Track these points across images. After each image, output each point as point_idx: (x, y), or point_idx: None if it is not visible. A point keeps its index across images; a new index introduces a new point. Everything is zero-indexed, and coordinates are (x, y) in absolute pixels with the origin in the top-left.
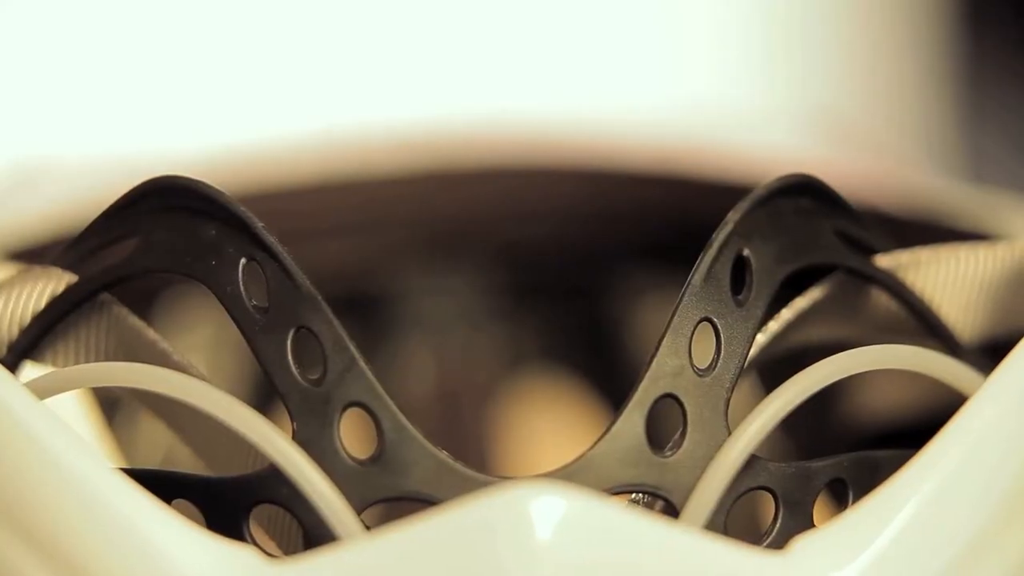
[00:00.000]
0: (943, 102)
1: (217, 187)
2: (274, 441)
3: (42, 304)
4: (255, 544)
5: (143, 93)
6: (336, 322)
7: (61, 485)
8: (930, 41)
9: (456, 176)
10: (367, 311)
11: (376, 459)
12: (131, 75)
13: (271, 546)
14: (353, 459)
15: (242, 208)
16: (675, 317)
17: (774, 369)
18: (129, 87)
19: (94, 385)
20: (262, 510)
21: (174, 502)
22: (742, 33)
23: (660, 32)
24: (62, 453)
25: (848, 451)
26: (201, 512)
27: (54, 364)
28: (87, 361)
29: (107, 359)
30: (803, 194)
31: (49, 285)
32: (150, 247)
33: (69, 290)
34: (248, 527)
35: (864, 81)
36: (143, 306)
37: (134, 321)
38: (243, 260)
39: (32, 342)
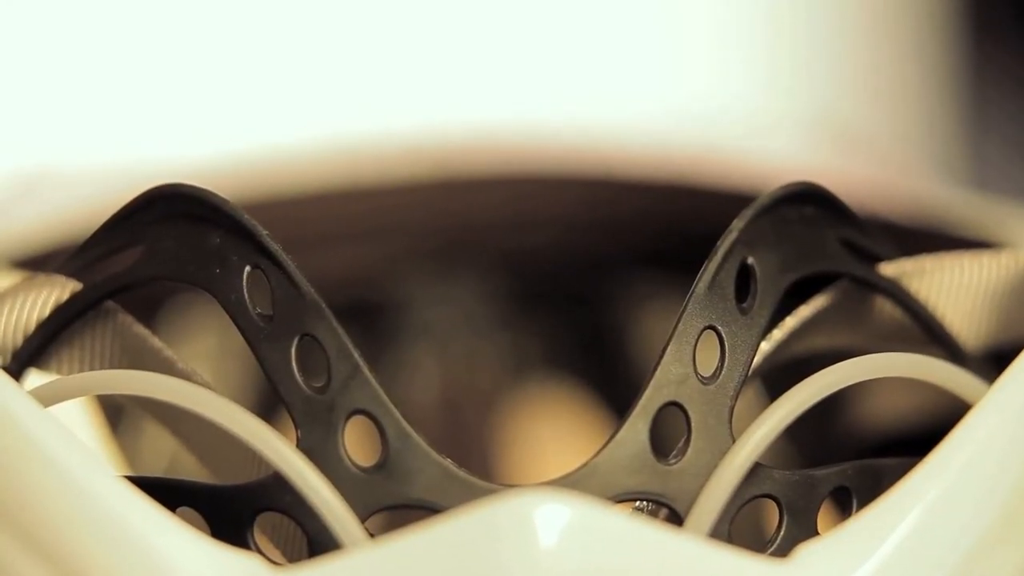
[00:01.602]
0: (946, 110)
1: (221, 195)
2: (278, 449)
3: (47, 312)
4: (259, 552)
5: (146, 101)
6: (340, 330)
7: (65, 492)
8: (933, 49)
9: (459, 184)
10: (371, 319)
11: (380, 467)
12: (134, 83)
13: (275, 554)
14: (357, 467)
15: (246, 216)
16: (679, 325)
17: (778, 377)
18: (132, 95)
19: (98, 393)
20: (266, 518)
21: (178, 510)
22: (745, 41)
23: (662, 40)
24: (66, 461)
25: (852, 459)
26: (205, 520)
27: (58, 372)
28: (92, 369)
29: (112, 367)
30: (807, 202)
31: (54, 293)
32: (155, 255)
33: (74, 298)
34: (252, 535)
35: (867, 90)
36: (147, 314)
37: (139, 329)
38: (247, 268)
39: (36, 350)
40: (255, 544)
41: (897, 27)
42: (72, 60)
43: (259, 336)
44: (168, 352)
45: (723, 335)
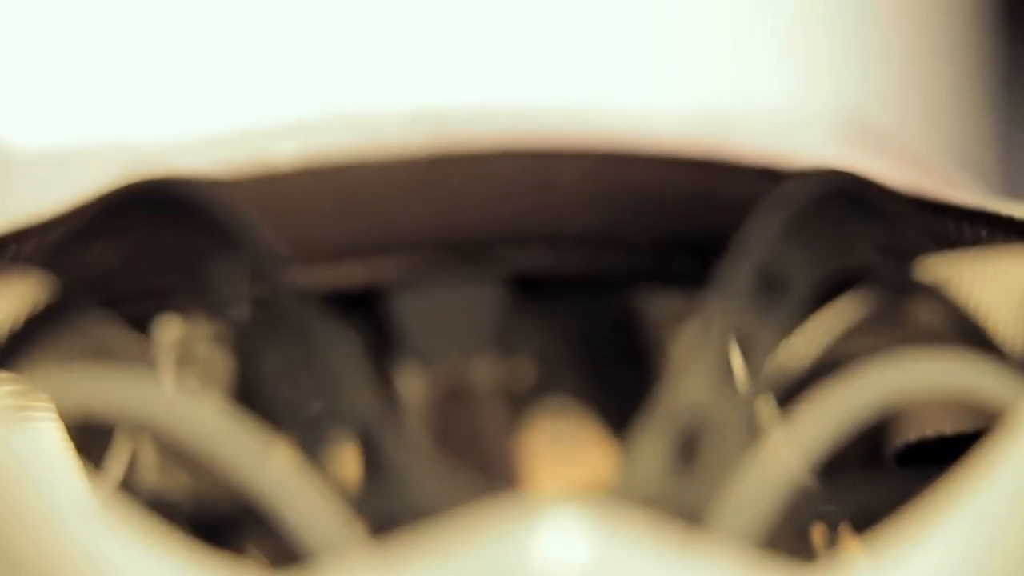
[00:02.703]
0: (977, 111)
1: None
2: (266, 462)
3: (19, 311)
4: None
5: (117, 76)
6: (336, 336)
7: (40, 520)
8: (964, 49)
9: (460, 185)
10: (369, 321)
11: (376, 475)
12: (102, 56)
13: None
14: (352, 476)
15: (240, 216)
16: (700, 329)
17: (809, 382)
18: (100, 69)
19: (68, 402)
20: (256, 530)
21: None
22: (773, 40)
23: (686, 34)
24: (41, 488)
25: (881, 463)
26: (195, 535)
27: (31, 374)
28: (64, 372)
29: (85, 370)
30: (836, 197)
31: (27, 290)
32: (139, 254)
33: (48, 300)
34: (242, 550)
35: (896, 90)
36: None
37: (114, 332)
38: (238, 271)
39: (6, 352)
40: (245, 561)
41: (928, 26)
42: (39, 35)
43: (249, 342)
44: (145, 356)
45: (746, 339)
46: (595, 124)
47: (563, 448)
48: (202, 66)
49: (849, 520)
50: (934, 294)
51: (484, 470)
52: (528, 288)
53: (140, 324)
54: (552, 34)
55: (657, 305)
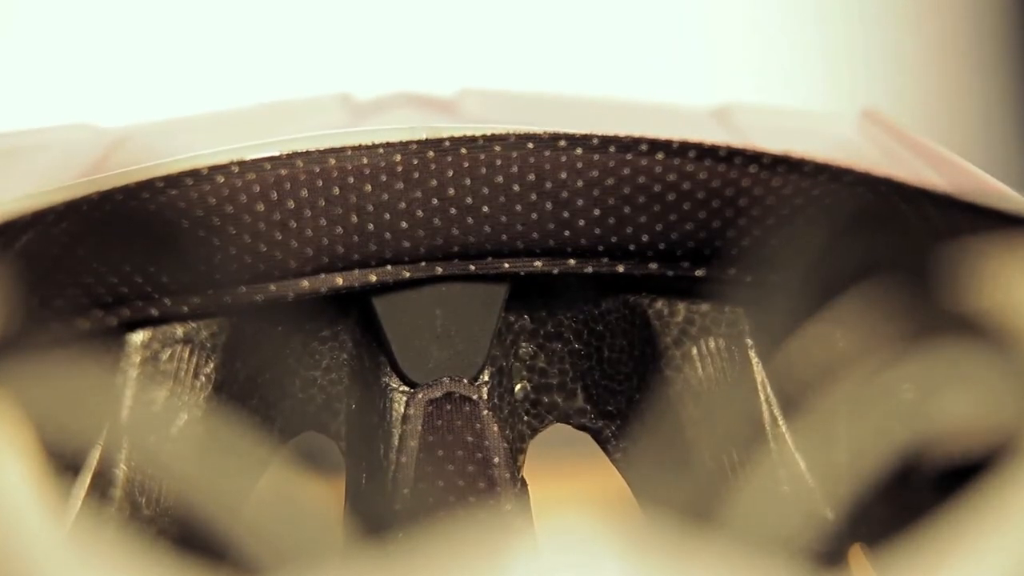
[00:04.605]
0: (1002, 112)
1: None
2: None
3: None
4: None
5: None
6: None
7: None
8: (991, 49)
9: (460, 172)
10: (368, 318)
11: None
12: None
13: None
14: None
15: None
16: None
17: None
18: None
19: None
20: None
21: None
22: (796, 41)
23: (703, 35)
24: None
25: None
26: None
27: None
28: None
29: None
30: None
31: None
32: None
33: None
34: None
35: (924, 92)
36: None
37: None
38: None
39: None
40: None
41: (951, 26)
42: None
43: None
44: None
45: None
46: (600, 117)
47: (563, 455)
48: (186, 49)
49: (878, 541)
50: (953, 287)
51: (480, 476)
52: (528, 288)
53: (106, 329)
54: (565, 29)
55: (659, 305)
